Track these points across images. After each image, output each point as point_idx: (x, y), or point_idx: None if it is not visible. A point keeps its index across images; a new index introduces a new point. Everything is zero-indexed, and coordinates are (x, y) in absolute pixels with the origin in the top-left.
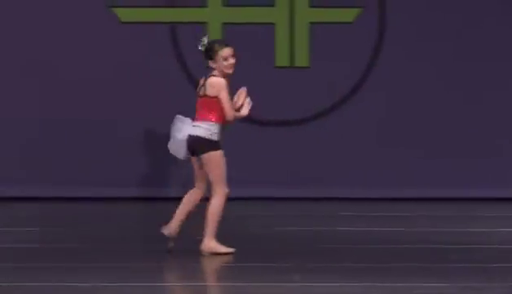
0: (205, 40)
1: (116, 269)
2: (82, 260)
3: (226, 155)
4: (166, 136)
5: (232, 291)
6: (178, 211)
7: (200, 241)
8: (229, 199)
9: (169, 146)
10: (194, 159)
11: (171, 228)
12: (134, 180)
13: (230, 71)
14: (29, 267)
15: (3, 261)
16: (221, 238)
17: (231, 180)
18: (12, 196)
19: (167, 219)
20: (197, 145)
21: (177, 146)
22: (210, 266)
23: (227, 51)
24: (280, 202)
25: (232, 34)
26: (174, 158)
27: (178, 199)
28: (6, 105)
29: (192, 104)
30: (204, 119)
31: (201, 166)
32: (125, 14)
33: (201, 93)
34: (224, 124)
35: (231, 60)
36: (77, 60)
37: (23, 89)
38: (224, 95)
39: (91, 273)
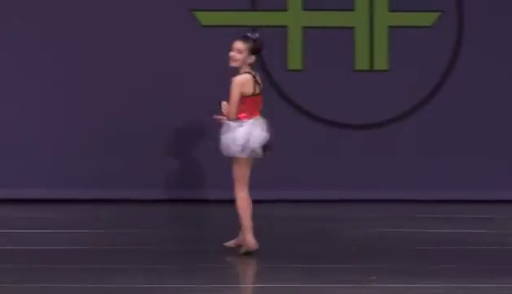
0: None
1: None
2: (159, 261)
3: (306, 158)
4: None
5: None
6: (245, 222)
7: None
8: (310, 202)
9: (247, 145)
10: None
11: (249, 241)
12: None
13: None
14: (92, 268)
15: (66, 263)
16: (319, 240)
17: (313, 183)
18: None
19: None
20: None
21: (258, 144)
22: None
23: (234, 43)
24: (355, 204)
25: (312, 38)
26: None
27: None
28: (82, 106)
29: (271, 106)
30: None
31: None
32: (206, 17)
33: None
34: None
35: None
36: (158, 63)
37: (104, 90)
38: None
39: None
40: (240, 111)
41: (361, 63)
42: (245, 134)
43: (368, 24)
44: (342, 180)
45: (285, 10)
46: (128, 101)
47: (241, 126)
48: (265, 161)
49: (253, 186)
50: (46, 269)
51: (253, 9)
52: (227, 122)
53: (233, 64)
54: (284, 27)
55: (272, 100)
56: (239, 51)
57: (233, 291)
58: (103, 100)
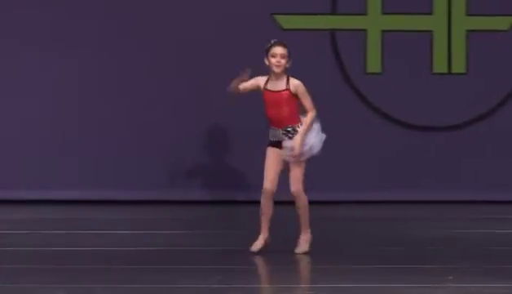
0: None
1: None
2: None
3: (384, 160)
4: (328, 139)
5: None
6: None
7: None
8: (385, 202)
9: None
10: None
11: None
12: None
13: (276, 69)
14: (168, 269)
15: (141, 263)
16: (391, 241)
17: (389, 185)
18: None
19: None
20: None
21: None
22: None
23: (276, 50)
24: (425, 205)
25: (391, 41)
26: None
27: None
28: (153, 107)
29: (350, 108)
30: None
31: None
32: (287, 21)
33: None
34: (275, 126)
35: (278, 58)
36: (240, 66)
37: (182, 92)
38: None
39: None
40: (300, 113)
41: (439, 66)
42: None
43: (446, 27)
44: (417, 182)
45: (365, 14)
46: (211, 104)
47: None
48: (341, 162)
49: (328, 187)
50: (107, 269)
51: (333, 13)
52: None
53: (278, 70)
54: (364, 30)
55: (351, 102)
56: (282, 56)
57: (309, 291)
58: (175, 103)
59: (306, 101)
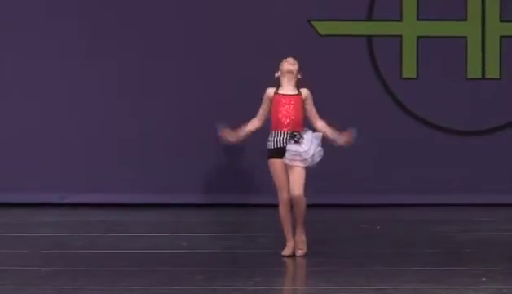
0: None
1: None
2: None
3: (420, 164)
4: (362, 144)
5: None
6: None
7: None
8: (420, 206)
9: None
10: None
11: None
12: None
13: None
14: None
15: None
16: (433, 244)
17: (425, 188)
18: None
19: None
20: None
21: None
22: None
23: (287, 60)
24: (463, 208)
25: (426, 47)
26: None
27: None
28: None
29: (386, 113)
30: None
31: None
32: (324, 27)
33: None
34: (278, 130)
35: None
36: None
37: (225, 98)
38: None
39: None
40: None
41: (473, 71)
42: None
43: (480, 33)
44: (453, 185)
45: (400, 20)
46: (248, 110)
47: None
48: (376, 166)
49: (363, 190)
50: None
51: (370, 19)
52: (305, 132)
53: (290, 76)
54: (399, 36)
55: (387, 107)
56: (293, 64)
57: (351, 293)
58: (215, 108)
59: (313, 108)
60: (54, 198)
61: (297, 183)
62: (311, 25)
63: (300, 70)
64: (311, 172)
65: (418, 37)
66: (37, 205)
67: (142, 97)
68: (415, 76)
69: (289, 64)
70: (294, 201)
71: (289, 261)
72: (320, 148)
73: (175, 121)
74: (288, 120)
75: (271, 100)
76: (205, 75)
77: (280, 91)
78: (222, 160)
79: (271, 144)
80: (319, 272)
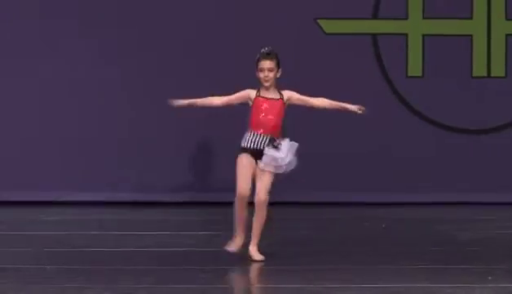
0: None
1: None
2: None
3: (425, 163)
4: (370, 142)
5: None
6: None
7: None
8: (428, 204)
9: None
10: None
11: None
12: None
13: (264, 83)
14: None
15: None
16: (439, 242)
17: (431, 187)
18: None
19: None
20: None
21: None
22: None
23: (263, 64)
24: (471, 206)
25: (431, 45)
26: None
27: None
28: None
29: (391, 112)
30: None
31: None
32: (330, 25)
33: None
34: (256, 132)
35: (266, 73)
36: (283, 70)
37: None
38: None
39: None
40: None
41: (479, 70)
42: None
43: (485, 32)
44: (459, 184)
45: (406, 18)
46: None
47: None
48: (385, 165)
49: (368, 189)
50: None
51: (375, 17)
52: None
53: (267, 84)
54: (405, 35)
55: (392, 105)
56: (270, 69)
57: (346, 291)
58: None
59: (308, 97)
60: (54, 195)
61: (264, 188)
62: (317, 24)
63: (279, 65)
64: (313, 169)
65: (424, 36)
66: (38, 203)
67: (142, 97)
68: (420, 74)
69: (269, 62)
70: (257, 205)
71: (292, 259)
72: (294, 157)
73: (176, 121)
74: (267, 125)
75: (252, 102)
76: (209, 75)
77: (262, 94)
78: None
79: (246, 144)
80: (322, 270)
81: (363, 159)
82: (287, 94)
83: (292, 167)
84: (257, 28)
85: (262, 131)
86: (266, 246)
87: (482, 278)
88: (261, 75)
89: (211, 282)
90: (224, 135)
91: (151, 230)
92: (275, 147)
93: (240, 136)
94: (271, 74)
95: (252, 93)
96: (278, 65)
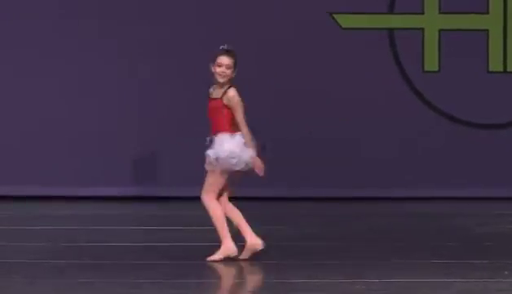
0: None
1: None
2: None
3: (442, 156)
4: (386, 136)
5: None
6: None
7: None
8: (443, 199)
9: (241, 157)
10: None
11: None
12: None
13: (219, 79)
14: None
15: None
16: (454, 236)
17: (446, 181)
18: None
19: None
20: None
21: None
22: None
23: (222, 59)
24: (484, 201)
25: (448, 40)
26: None
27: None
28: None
29: (407, 106)
30: None
31: None
32: (346, 20)
33: None
34: (212, 132)
35: (223, 69)
36: (300, 65)
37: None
38: None
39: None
40: (231, 124)
41: (495, 64)
42: (241, 146)
43: (501, 26)
44: (476, 179)
45: (422, 13)
46: (272, 104)
47: (234, 139)
48: (400, 160)
49: (384, 184)
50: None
51: (391, 12)
52: (220, 135)
53: (222, 80)
54: (421, 29)
55: (408, 100)
56: (228, 66)
57: (360, 286)
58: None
59: (237, 114)
60: (68, 191)
61: (204, 186)
62: (333, 18)
63: (236, 65)
64: (328, 165)
65: (440, 30)
66: (51, 198)
67: (154, 92)
68: (437, 69)
69: (228, 59)
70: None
71: (303, 254)
72: (246, 153)
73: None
74: (212, 125)
75: None
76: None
77: (211, 93)
78: None
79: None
80: (335, 265)
81: (378, 154)
82: (229, 96)
83: (241, 164)
84: (273, 23)
85: (212, 132)
86: (279, 241)
87: (498, 272)
88: (217, 70)
89: (224, 277)
90: None
91: (162, 225)
92: (208, 145)
93: None
94: (228, 71)
95: (210, 88)
96: (235, 64)
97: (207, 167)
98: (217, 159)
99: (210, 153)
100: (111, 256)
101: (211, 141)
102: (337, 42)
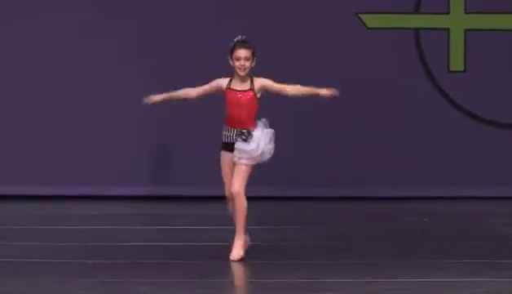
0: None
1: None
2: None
3: (466, 157)
4: (412, 136)
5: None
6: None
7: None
8: (467, 198)
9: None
10: None
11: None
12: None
13: (240, 73)
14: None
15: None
16: (479, 236)
17: (471, 181)
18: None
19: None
20: None
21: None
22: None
23: (240, 53)
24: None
25: (473, 40)
26: None
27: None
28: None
29: (433, 106)
30: None
31: None
32: (372, 20)
33: None
34: (231, 126)
35: (242, 62)
36: (325, 64)
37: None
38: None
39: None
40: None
41: None
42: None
43: None
44: (502, 179)
45: (448, 13)
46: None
47: (266, 131)
48: (426, 160)
49: (416, 184)
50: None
51: (417, 12)
52: (254, 129)
53: (242, 74)
54: (447, 29)
55: (434, 100)
56: (247, 58)
57: (392, 285)
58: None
59: (279, 84)
60: (98, 190)
61: (237, 179)
62: (359, 18)
63: (254, 54)
64: (354, 165)
65: (466, 30)
66: (83, 197)
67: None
68: (462, 69)
69: (246, 51)
70: (233, 197)
71: (332, 254)
72: (270, 145)
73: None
74: (237, 119)
75: (223, 94)
76: (254, 73)
77: (233, 86)
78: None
79: (223, 138)
80: (363, 265)
81: (404, 153)
82: (259, 83)
83: (269, 155)
84: (299, 23)
85: (233, 124)
86: (308, 240)
87: None
88: (236, 64)
89: (251, 276)
90: None
91: (195, 225)
92: (245, 140)
93: None
94: (248, 63)
95: (223, 83)
96: (254, 54)
97: (247, 161)
98: (261, 154)
99: (253, 146)
100: (141, 256)
101: (248, 134)
102: (362, 42)
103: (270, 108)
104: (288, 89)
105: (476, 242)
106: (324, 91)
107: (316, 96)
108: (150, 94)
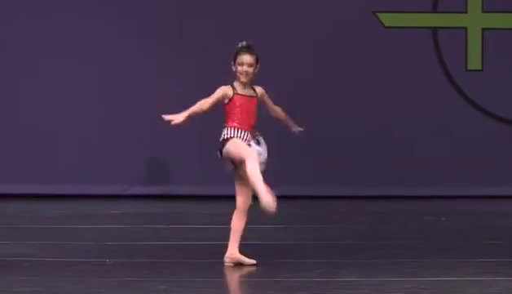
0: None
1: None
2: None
3: (484, 155)
4: (429, 135)
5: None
6: None
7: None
8: (490, 197)
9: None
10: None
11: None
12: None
13: (242, 79)
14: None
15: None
16: (499, 235)
17: (490, 180)
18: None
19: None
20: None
21: None
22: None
23: (243, 58)
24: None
25: (491, 39)
26: None
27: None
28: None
29: (451, 105)
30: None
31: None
32: (389, 19)
33: None
34: (244, 130)
35: (245, 68)
36: (342, 63)
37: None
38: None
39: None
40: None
41: None
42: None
43: None
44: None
45: (465, 12)
46: (314, 102)
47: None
48: (444, 159)
49: (433, 183)
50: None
51: (435, 11)
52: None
53: (244, 80)
54: (464, 28)
55: (451, 98)
56: (250, 64)
57: (409, 285)
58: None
59: (269, 101)
60: (117, 189)
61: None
62: (376, 17)
63: (258, 61)
64: (373, 164)
65: (483, 29)
66: (101, 197)
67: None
68: (480, 68)
69: (250, 57)
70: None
71: (349, 253)
72: (264, 146)
73: None
74: (249, 121)
75: (229, 99)
76: (266, 68)
77: (240, 91)
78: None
79: (234, 133)
80: (380, 264)
81: (422, 153)
82: (260, 91)
83: (263, 166)
84: (316, 22)
85: (244, 128)
86: (324, 239)
87: None
88: (239, 69)
89: (269, 276)
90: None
91: (211, 224)
92: (258, 143)
93: None
94: (250, 69)
95: (229, 91)
96: (257, 61)
97: (261, 166)
98: (265, 158)
99: (264, 151)
100: (160, 255)
101: (255, 138)
102: (379, 41)
103: (296, 107)
104: (274, 107)
105: (494, 241)
106: (293, 126)
107: (286, 125)
108: (171, 113)
